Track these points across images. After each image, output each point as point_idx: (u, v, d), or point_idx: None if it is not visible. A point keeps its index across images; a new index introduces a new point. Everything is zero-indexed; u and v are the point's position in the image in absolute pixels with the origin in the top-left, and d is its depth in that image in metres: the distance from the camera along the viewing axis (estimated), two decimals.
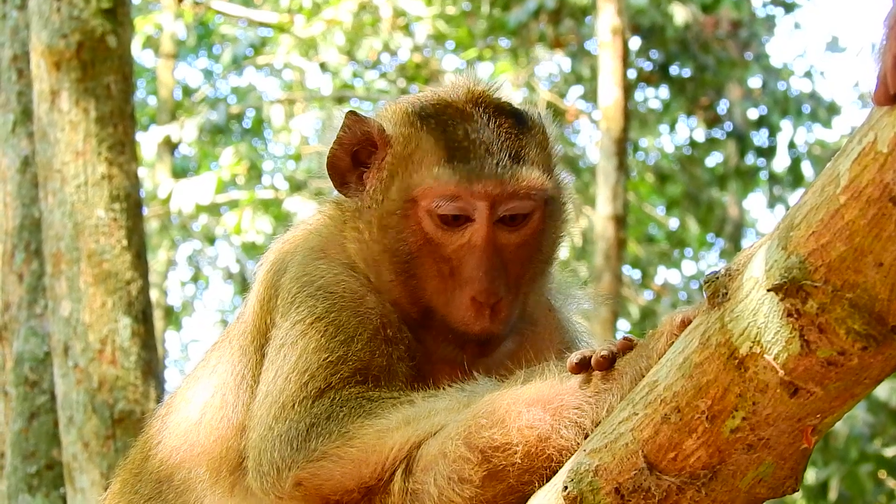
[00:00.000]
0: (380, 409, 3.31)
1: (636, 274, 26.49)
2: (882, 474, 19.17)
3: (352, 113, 3.76)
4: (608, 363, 3.02)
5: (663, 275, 27.72)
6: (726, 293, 2.66)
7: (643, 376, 2.89)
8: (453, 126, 3.68)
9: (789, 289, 2.50)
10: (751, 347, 2.59)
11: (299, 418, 3.35)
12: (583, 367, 3.06)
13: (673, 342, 2.84)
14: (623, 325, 22.98)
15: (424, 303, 3.66)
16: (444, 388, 3.34)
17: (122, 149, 7.45)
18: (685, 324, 2.87)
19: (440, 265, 3.63)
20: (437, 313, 3.65)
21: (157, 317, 22.69)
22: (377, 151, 3.75)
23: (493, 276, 3.59)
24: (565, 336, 3.92)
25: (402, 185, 3.67)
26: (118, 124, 7.43)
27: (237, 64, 23.74)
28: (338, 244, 3.77)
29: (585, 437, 2.98)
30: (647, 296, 25.65)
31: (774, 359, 2.56)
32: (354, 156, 3.78)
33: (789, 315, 2.52)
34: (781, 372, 2.56)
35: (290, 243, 3.86)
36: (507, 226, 3.66)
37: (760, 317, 2.57)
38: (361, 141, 3.76)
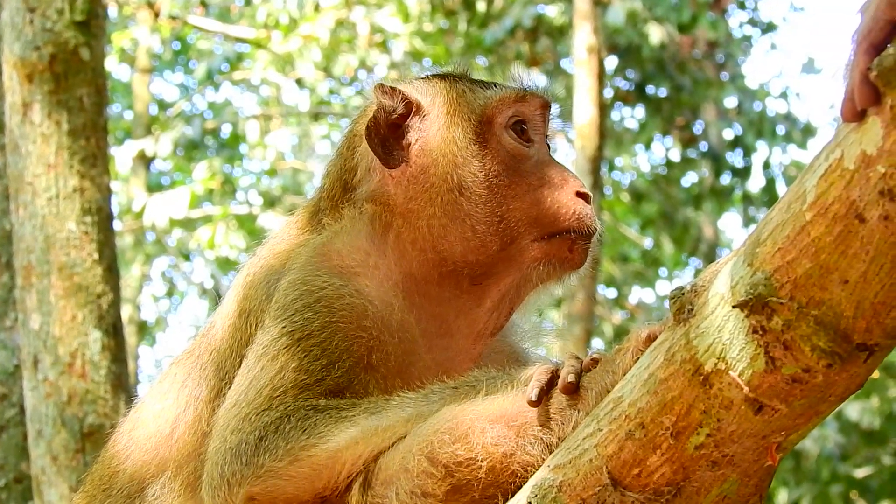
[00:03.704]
0: (326, 422, 3.27)
1: (611, 293, 26.56)
2: (854, 495, 19.23)
3: (381, 84, 3.81)
4: (574, 388, 3.01)
5: (637, 294, 27.84)
6: (692, 309, 2.65)
7: (608, 392, 2.88)
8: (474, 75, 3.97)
9: (755, 305, 2.50)
10: (716, 364, 2.59)
11: (251, 429, 3.32)
12: (549, 387, 3.04)
13: (638, 358, 2.83)
14: (597, 344, 22.98)
15: (512, 232, 3.69)
16: (393, 397, 3.32)
17: (95, 162, 7.39)
18: (651, 339, 2.86)
19: (528, 179, 3.74)
20: (528, 236, 3.69)
21: (131, 332, 22.60)
22: (413, 115, 3.79)
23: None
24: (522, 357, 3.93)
25: (468, 115, 3.77)
26: (90, 137, 7.38)
27: (212, 79, 23.67)
28: (356, 248, 3.71)
29: (550, 453, 2.96)
30: (621, 315, 25.68)
31: (739, 375, 2.55)
32: (391, 125, 3.80)
33: (754, 332, 2.51)
34: (746, 389, 2.55)
35: (287, 250, 3.79)
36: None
37: (726, 333, 2.57)
38: (398, 107, 3.79)
